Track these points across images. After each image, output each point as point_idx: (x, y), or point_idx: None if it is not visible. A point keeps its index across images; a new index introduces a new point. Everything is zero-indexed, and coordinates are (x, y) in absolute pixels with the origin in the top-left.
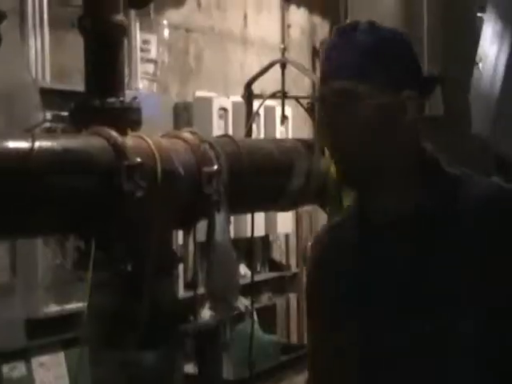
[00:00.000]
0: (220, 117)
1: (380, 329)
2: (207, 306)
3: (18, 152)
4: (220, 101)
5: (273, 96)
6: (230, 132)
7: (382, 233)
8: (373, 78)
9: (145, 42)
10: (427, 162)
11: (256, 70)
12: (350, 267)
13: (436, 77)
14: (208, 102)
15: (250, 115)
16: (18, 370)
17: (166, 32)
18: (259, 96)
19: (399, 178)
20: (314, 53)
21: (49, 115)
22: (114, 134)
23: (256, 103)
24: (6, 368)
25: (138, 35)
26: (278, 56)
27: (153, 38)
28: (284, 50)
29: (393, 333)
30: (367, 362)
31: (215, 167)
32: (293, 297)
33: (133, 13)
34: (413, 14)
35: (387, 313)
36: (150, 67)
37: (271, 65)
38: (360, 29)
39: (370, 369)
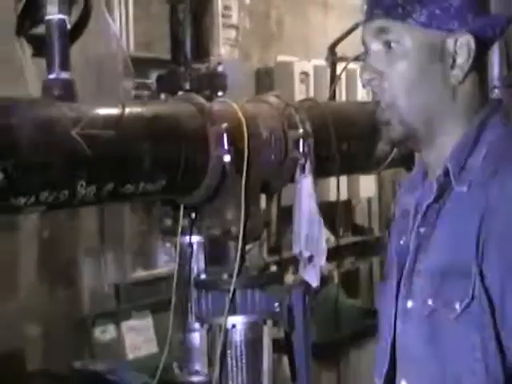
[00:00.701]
0: (301, 81)
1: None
2: (291, 270)
3: (108, 118)
4: (301, 65)
5: (356, 59)
6: (312, 96)
7: (422, 184)
8: (415, 15)
9: (226, 7)
10: (487, 115)
11: (337, 33)
12: (403, 215)
13: (508, 19)
14: (289, 66)
15: (334, 78)
16: (108, 332)
17: None
18: (342, 59)
19: (441, 129)
20: None
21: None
22: (200, 99)
23: (339, 66)
24: (97, 331)
25: (219, 1)
26: (358, 18)
27: (234, 4)
28: None
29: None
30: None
31: (301, 131)
32: (376, 261)
33: None
34: None
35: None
36: (232, 33)
37: (355, 27)
38: None
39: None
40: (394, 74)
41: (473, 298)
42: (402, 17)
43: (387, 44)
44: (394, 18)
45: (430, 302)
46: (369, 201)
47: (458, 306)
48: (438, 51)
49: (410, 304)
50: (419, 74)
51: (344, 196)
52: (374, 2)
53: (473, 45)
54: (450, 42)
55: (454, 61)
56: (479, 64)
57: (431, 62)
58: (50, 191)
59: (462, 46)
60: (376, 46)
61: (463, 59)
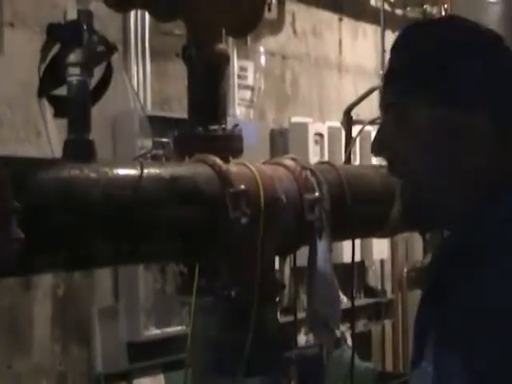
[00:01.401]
0: (316, 142)
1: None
2: (303, 331)
3: (127, 179)
4: (316, 126)
5: (373, 122)
6: (326, 157)
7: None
8: (427, 91)
9: (242, 68)
10: (498, 204)
11: (351, 95)
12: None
13: None
14: (304, 127)
15: (350, 141)
16: None
17: (263, 59)
18: (357, 122)
19: (447, 212)
20: None
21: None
22: (218, 161)
23: (354, 129)
24: None
25: (235, 62)
26: (373, 81)
27: (250, 65)
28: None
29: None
30: None
31: (317, 194)
32: (388, 323)
33: (230, 40)
34: None
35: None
36: (247, 94)
37: (371, 91)
38: (420, 29)
39: None
40: (406, 149)
41: None
42: (414, 92)
43: (399, 118)
44: (405, 92)
45: None
46: (382, 262)
47: None
48: (453, 129)
49: None
50: (430, 151)
51: (357, 257)
52: (386, 74)
53: (487, 124)
54: (463, 120)
55: (467, 141)
56: (500, 144)
57: (444, 139)
58: (68, 252)
59: (474, 125)
60: (388, 121)
61: (476, 139)
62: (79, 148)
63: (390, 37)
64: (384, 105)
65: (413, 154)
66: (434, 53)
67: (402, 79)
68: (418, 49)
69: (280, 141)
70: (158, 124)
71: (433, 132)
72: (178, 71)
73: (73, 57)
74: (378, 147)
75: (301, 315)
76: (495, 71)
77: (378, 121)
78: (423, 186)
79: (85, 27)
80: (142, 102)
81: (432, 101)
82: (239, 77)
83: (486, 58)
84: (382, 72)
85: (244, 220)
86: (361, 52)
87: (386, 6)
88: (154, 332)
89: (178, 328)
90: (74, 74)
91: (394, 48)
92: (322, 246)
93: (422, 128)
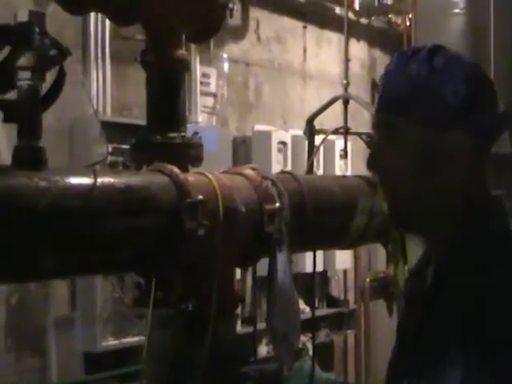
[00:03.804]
0: (279, 150)
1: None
2: (264, 342)
3: (79, 189)
4: (279, 134)
5: (336, 132)
6: (289, 166)
7: (417, 272)
8: (414, 113)
9: (204, 75)
10: (482, 215)
11: (315, 103)
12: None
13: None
14: (267, 135)
15: (312, 151)
16: None
17: (226, 66)
18: (320, 131)
19: (438, 224)
20: (374, 86)
21: (109, 148)
22: (175, 170)
23: (317, 138)
24: None
25: (197, 69)
26: (337, 90)
27: (212, 72)
28: (347, 86)
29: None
30: None
31: (277, 205)
32: (351, 333)
33: (192, 46)
34: (481, 50)
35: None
36: (210, 101)
37: (334, 100)
38: (412, 55)
39: None
40: (395, 167)
41: None
42: (402, 112)
43: (389, 137)
44: (395, 112)
45: None
46: (345, 272)
47: None
48: (435, 148)
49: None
50: (417, 170)
51: (320, 267)
52: (380, 95)
53: (467, 144)
54: (445, 141)
55: (449, 159)
56: (478, 162)
57: (429, 158)
58: (14, 264)
59: (455, 145)
60: (380, 137)
61: (457, 158)
62: (29, 155)
63: (355, 45)
64: (378, 124)
65: (400, 169)
66: (425, 79)
67: (394, 102)
68: (410, 75)
69: (243, 149)
70: (117, 130)
71: (420, 151)
72: (139, 77)
73: (23, 60)
74: (371, 163)
75: (262, 325)
76: (477, 98)
77: (341, 130)
78: (406, 196)
79: (36, 29)
80: (101, 107)
81: (420, 123)
82: (202, 83)
83: (468, 85)
84: (345, 81)
85: (201, 231)
86: (325, 60)
87: (351, 15)
88: (112, 343)
89: (136, 339)
90: (24, 78)
91: (387, 73)
92: (281, 257)
93: (411, 146)
